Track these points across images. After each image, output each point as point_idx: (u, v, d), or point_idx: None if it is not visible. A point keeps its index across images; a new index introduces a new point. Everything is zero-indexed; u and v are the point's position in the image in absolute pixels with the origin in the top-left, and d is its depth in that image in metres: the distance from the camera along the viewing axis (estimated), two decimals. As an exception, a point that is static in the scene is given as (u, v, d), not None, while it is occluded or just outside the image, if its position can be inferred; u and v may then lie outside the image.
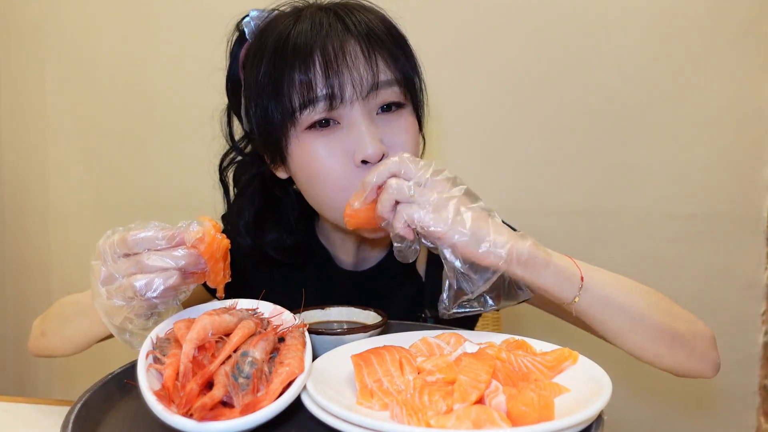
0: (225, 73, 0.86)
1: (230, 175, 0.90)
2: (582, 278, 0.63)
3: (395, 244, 0.63)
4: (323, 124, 0.72)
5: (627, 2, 1.40)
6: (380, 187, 0.62)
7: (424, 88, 0.82)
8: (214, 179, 0.90)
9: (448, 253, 0.59)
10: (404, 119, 0.75)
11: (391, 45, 0.74)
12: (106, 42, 1.65)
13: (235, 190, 0.90)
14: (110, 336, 0.65)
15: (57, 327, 0.78)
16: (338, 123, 0.72)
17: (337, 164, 0.71)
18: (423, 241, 0.61)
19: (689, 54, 1.39)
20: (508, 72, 1.47)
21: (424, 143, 0.93)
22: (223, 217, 0.90)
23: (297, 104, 0.70)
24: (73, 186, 1.73)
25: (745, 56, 1.37)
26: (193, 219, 0.59)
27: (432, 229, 0.57)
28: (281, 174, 0.82)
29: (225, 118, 0.88)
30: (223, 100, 0.88)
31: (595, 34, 1.42)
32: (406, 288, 0.93)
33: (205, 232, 0.58)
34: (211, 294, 0.89)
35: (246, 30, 0.80)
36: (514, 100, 1.48)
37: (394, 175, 0.61)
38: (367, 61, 0.70)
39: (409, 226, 0.59)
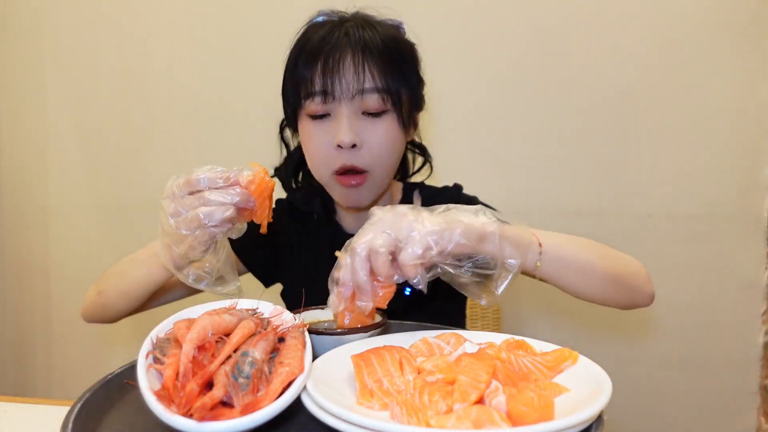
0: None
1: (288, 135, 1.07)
2: (540, 245, 0.72)
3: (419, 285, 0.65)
4: (320, 116, 0.89)
5: (627, 2, 1.40)
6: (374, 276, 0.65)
7: (421, 96, 0.96)
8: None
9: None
10: (383, 123, 0.89)
11: (383, 59, 0.87)
12: (106, 42, 1.66)
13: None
14: (154, 295, 0.86)
15: (114, 283, 0.88)
16: (329, 115, 0.89)
17: (322, 145, 0.90)
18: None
19: (689, 54, 1.39)
20: (507, 72, 1.47)
21: (421, 144, 1.04)
22: (276, 170, 1.07)
23: (302, 93, 0.89)
24: (73, 186, 1.73)
25: (745, 56, 1.37)
26: (245, 165, 0.70)
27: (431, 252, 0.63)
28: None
29: None
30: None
31: (595, 33, 1.42)
32: None
33: (255, 175, 0.69)
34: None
35: None
36: (513, 101, 1.48)
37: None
38: (356, 70, 0.86)
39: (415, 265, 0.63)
